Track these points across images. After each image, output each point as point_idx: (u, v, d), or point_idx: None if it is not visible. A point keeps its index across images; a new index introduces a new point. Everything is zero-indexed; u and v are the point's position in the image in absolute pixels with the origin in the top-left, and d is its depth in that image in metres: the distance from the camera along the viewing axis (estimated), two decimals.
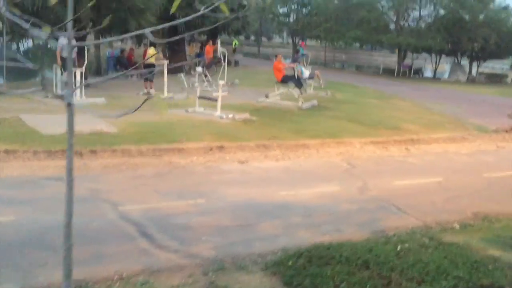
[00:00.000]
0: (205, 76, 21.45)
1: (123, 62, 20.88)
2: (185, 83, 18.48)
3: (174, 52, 24.96)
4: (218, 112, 12.26)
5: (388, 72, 38.49)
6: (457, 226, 6.16)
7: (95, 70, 21.90)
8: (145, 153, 8.54)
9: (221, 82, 12.83)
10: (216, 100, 12.45)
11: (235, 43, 40.60)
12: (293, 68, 16.25)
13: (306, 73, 19.39)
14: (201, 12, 2.53)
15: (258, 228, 5.74)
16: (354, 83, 25.51)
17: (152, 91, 15.88)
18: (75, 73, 12.94)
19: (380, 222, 6.19)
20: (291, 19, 45.05)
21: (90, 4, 5.66)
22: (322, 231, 5.74)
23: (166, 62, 15.90)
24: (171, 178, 7.17)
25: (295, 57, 20.78)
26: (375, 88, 23.43)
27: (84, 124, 9.71)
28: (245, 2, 31.98)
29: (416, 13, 35.78)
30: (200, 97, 12.94)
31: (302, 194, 6.81)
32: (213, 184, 6.99)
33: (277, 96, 16.08)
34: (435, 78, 38.72)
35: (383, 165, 9.16)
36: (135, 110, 2.49)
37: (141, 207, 6.02)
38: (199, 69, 18.49)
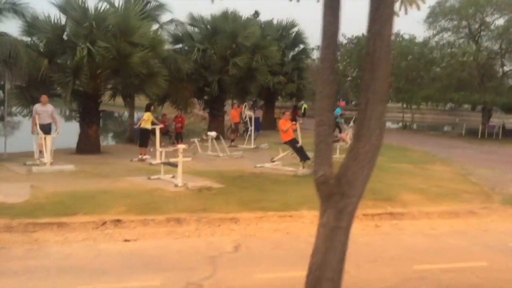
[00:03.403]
0: (232, 141, 20.46)
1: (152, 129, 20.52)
2: (198, 148, 17.53)
3: (214, 117, 24.39)
4: (177, 180, 10.95)
5: (474, 133, 34.46)
6: None
7: (128, 138, 21.83)
8: (14, 229, 7.44)
9: (181, 147, 11.53)
10: (176, 166, 11.16)
11: (305, 107, 39.40)
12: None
13: None
14: None
15: None
16: (412, 146, 22.76)
17: (146, 157, 15.05)
18: (45, 139, 12.53)
19: None
20: None
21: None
22: None
23: (159, 126, 15.07)
24: None
25: None
26: (429, 151, 20.52)
27: None
28: (302, 65, 31.02)
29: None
30: (163, 163, 11.76)
31: None
32: None
33: (279, 161, 14.40)
34: None
35: (284, 249, 6.95)
36: None
37: None
38: (212, 133, 17.53)
